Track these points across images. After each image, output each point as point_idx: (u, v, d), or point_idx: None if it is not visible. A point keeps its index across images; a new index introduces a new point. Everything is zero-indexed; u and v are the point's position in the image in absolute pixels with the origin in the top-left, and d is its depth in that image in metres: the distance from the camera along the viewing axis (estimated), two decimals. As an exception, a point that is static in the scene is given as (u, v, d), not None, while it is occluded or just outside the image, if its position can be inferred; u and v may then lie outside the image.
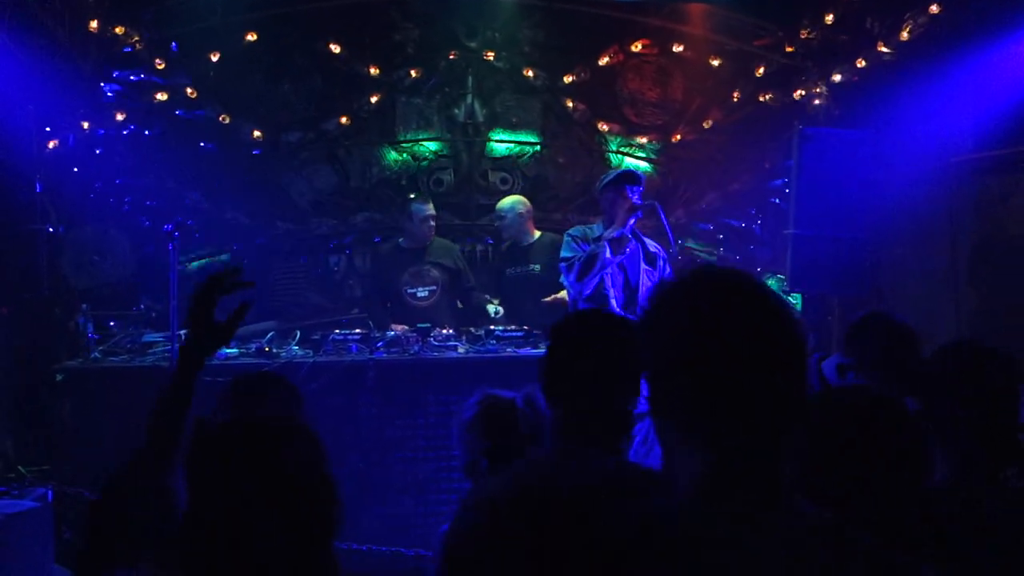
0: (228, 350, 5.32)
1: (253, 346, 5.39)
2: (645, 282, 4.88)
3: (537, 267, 6.10)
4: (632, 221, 4.90)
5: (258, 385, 2.62)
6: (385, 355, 5.32)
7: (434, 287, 6.08)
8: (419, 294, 6.05)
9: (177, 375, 1.94)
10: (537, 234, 6.24)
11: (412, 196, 6.29)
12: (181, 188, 6.75)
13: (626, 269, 4.92)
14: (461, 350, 5.43)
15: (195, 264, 6.91)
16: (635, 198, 4.91)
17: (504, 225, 6.22)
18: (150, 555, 1.90)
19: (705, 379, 1.21)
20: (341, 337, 5.44)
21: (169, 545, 1.89)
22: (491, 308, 6.05)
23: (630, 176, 5.00)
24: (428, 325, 5.66)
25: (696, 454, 1.22)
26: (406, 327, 5.65)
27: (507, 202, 6.30)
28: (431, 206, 6.15)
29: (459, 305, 6.25)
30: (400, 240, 6.24)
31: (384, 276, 6.23)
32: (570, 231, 5.18)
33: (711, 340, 1.21)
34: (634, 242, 5.00)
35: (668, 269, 5.00)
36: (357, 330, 5.59)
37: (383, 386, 5.19)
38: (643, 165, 7.44)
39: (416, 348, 5.39)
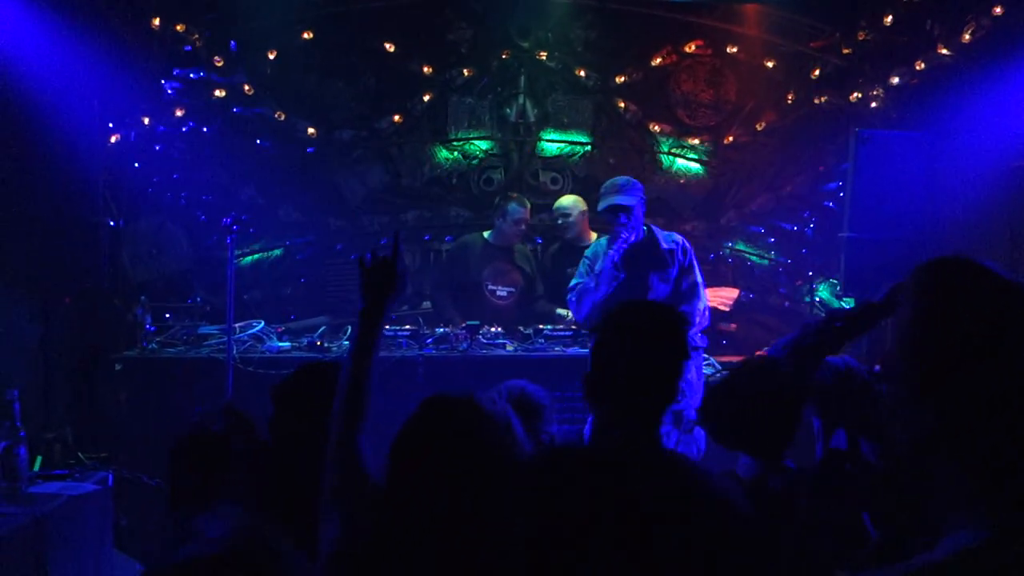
0: (281, 343, 5.42)
1: (305, 340, 5.48)
2: (656, 284, 4.67)
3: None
4: (618, 248, 4.67)
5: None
6: (434, 351, 5.38)
7: (513, 288, 6.12)
8: (499, 292, 6.09)
9: (365, 335, 2.19)
10: (593, 236, 6.22)
11: (511, 195, 6.22)
12: (236, 184, 6.89)
13: (636, 273, 4.71)
14: (509, 348, 5.47)
15: (248, 259, 7.05)
16: (620, 225, 4.67)
17: (569, 223, 6.12)
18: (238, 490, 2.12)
19: None
20: (391, 333, 5.50)
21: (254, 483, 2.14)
22: (561, 311, 5.95)
23: (610, 208, 4.75)
24: (476, 323, 5.71)
25: None
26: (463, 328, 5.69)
27: (569, 200, 6.21)
28: (528, 209, 6.13)
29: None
30: (487, 235, 6.24)
31: (463, 267, 6.21)
32: (587, 251, 5.00)
33: None
34: (646, 243, 4.76)
35: (691, 259, 4.72)
36: (407, 326, 5.65)
37: (432, 382, 5.24)
38: (695, 167, 7.42)
39: (465, 345, 5.44)
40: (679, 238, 4.81)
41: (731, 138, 7.34)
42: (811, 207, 7.23)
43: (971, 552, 1.07)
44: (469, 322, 5.71)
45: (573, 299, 4.85)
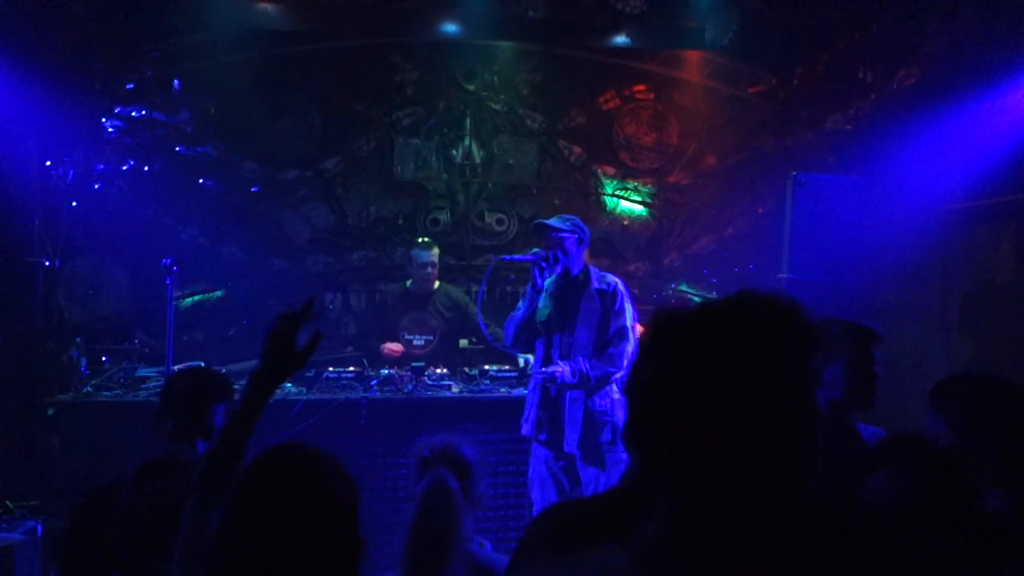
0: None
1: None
2: (583, 325, 4.53)
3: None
4: (536, 273, 4.55)
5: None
6: (379, 394, 5.32)
7: (431, 337, 6.06)
8: (416, 341, 6.04)
9: (249, 400, 2.01)
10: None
11: (420, 240, 6.20)
12: (178, 223, 6.78)
13: (563, 313, 4.59)
14: (455, 390, 5.43)
15: (189, 300, 6.91)
16: (539, 255, 4.58)
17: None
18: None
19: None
20: (335, 375, 5.43)
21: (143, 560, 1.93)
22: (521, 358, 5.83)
23: (537, 227, 4.65)
24: (422, 364, 5.66)
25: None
26: (396, 350, 5.63)
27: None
28: (433, 252, 6.05)
29: (468, 343, 6.14)
30: (408, 283, 6.22)
31: (383, 316, 6.21)
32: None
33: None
34: (579, 282, 4.63)
35: (620, 302, 4.55)
36: (351, 368, 5.58)
37: (376, 425, 5.17)
38: (638, 209, 7.50)
39: (410, 387, 5.38)
40: (614, 280, 4.68)
41: (673, 180, 7.46)
42: (752, 248, 7.35)
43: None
44: (415, 363, 5.66)
45: (506, 324, 4.76)
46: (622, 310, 4.55)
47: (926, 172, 5.89)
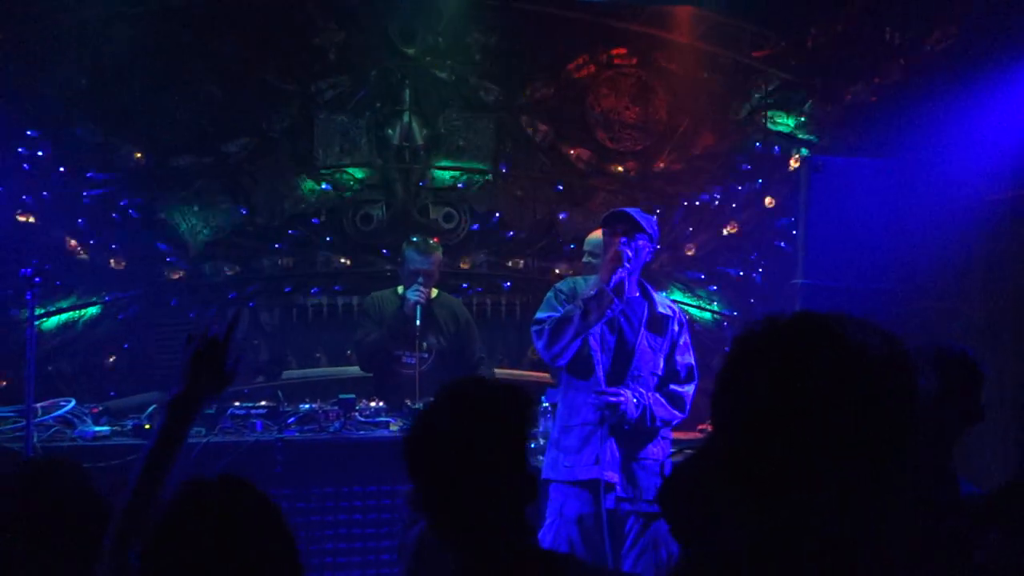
0: (98, 428, 5.27)
1: (130, 423, 5.35)
2: (646, 350, 4.64)
3: None
4: (620, 274, 4.55)
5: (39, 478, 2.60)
6: (298, 434, 5.32)
7: (426, 355, 6.05)
8: (406, 359, 6.01)
9: (169, 433, 2.15)
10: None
11: (415, 240, 6.11)
12: (40, 224, 6.71)
13: (621, 330, 4.68)
14: (394, 428, 5.44)
15: (54, 320, 6.84)
16: (625, 244, 4.57)
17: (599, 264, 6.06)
18: None
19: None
20: (242, 412, 5.42)
21: None
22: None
23: (617, 216, 4.66)
24: (351, 397, 5.67)
25: None
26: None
27: (599, 235, 6.19)
28: (433, 256, 6.00)
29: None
30: (401, 290, 6.12)
31: (373, 330, 6.13)
32: (558, 284, 4.94)
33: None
34: (639, 300, 4.74)
35: (686, 335, 4.74)
36: (263, 403, 5.57)
37: (295, 473, 5.17)
38: (617, 200, 7.58)
39: (337, 425, 5.39)
40: (676, 307, 4.84)
41: (662, 165, 7.56)
42: (759, 248, 7.46)
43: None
44: (343, 395, 5.67)
45: (547, 329, 4.62)
46: (688, 345, 4.69)
47: (966, 154, 6.01)
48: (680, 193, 7.60)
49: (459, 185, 7.47)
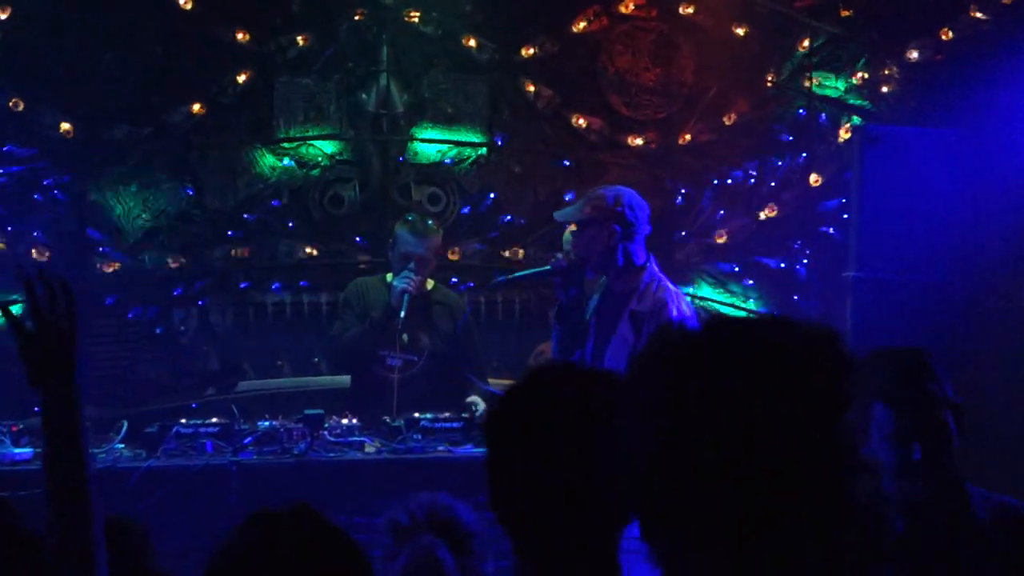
0: (18, 450, 5.26)
1: (56, 444, 5.32)
2: (619, 351, 4.69)
3: None
4: (560, 294, 4.79)
5: None
6: (255, 457, 5.31)
7: (414, 357, 6.03)
8: (390, 361, 5.99)
9: (56, 451, 2.07)
10: None
11: (409, 218, 6.13)
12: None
13: (588, 331, 4.84)
14: (370, 448, 5.43)
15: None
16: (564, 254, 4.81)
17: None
18: None
19: None
20: (189, 430, 5.41)
21: None
22: (476, 403, 5.86)
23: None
24: (320, 412, 5.66)
25: None
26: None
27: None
28: (429, 240, 5.98)
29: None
30: (389, 277, 6.10)
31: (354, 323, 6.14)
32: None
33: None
34: (617, 295, 4.84)
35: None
36: (214, 420, 5.56)
37: (253, 503, 5.12)
38: (638, 178, 7.56)
39: (303, 446, 5.37)
40: (665, 297, 4.77)
41: (688, 137, 7.54)
42: (803, 235, 7.44)
43: None
44: (309, 411, 5.66)
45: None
46: None
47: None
48: (709, 170, 7.58)
49: (447, 160, 7.44)
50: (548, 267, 4.67)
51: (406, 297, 5.79)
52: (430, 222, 6.16)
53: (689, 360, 1.32)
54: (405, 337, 5.94)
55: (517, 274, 4.91)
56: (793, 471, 1.27)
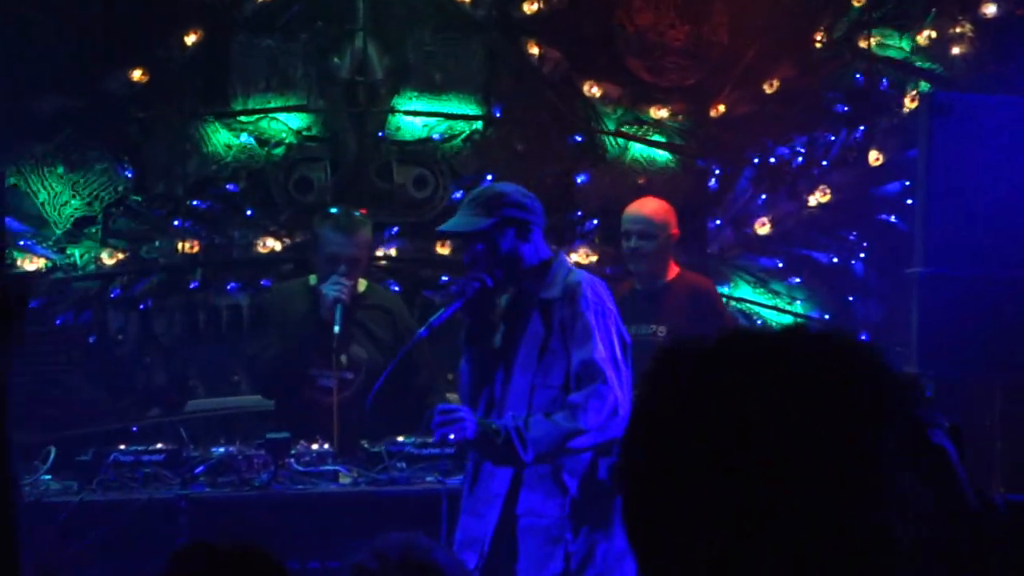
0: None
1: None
2: (516, 378, 4.68)
3: (664, 328, 6.07)
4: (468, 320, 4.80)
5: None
6: (209, 489, 5.30)
7: (350, 374, 6.02)
8: (322, 382, 5.99)
9: None
10: (675, 271, 6.30)
11: (332, 211, 6.19)
12: None
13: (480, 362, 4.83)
14: (345, 479, 5.43)
15: None
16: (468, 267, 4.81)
17: (649, 250, 6.19)
18: None
19: None
20: (129, 458, 5.41)
21: None
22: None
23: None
24: (286, 436, 5.65)
25: None
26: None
27: (651, 207, 6.32)
28: (358, 236, 6.02)
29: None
30: (312, 279, 6.15)
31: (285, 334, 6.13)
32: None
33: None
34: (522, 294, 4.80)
35: (584, 317, 4.57)
36: (159, 445, 5.56)
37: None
38: (662, 156, 7.56)
39: (266, 476, 5.36)
40: (577, 280, 4.68)
41: (722, 107, 7.53)
42: (860, 224, 7.44)
43: None
44: (271, 435, 5.64)
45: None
46: (587, 328, 4.54)
47: None
48: (747, 146, 7.59)
49: (435, 137, 7.43)
50: (460, 300, 4.70)
51: (339, 308, 5.76)
52: (358, 214, 6.21)
53: (697, 384, 1.32)
54: (344, 358, 5.93)
55: (435, 320, 4.90)
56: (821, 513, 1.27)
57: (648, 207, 6.29)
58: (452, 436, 4.45)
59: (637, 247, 6.16)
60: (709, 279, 6.35)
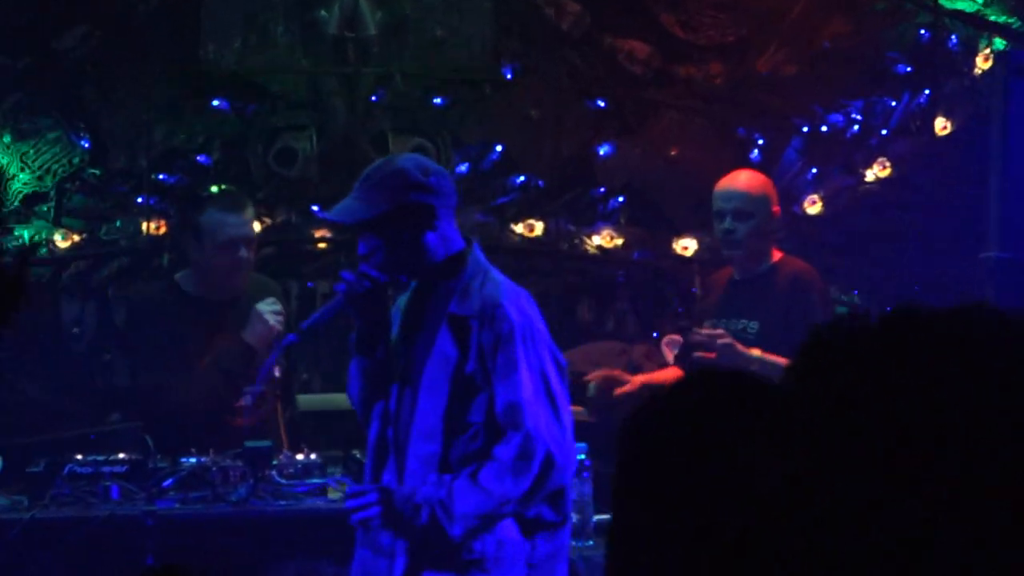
0: None
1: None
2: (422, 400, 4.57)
3: (755, 324, 6.00)
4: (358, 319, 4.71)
5: None
6: (178, 505, 5.34)
7: (259, 387, 6.02)
8: (246, 401, 6.00)
9: None
10: (776, 256, 6.23)
11: (212, 192, 6.33)
12: None
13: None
14: (335, 494, 5.44)
15: None
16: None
17: (747, 231, 6.09)
18: None
19: None
20: (88, 470, 5.45)
21: None
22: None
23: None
24: (266, 444, 5.67)
25: None
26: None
27: (747, 179, 6.28)
28: (245, 216, 6.11)
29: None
30: (179, 277, 6.26)
31: (152, 350, 6.24)
32: None
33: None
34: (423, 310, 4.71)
35: (509, 341, 4.45)
36: (121, 455, 5.59)
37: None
38: (697, 121, 7.57)
39: (243, 491, 5.39)
40: (499, 292, 4.55)
41: (766, 67, 7.54)
42: (926, 202, 7.45)
43: None
44: (251, 443, 5.66)
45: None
46: (512, 360, 4.39)
47: None
48: (795, 113, 7.61)
49: (436, 101, 7.46)
50: (340, 298, 4.59)
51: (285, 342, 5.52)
52: (234, 193, 6.41)
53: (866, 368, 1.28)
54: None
55: (311, 320, 4.81)
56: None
57: (743, 180, 6.23)
58: (372, 523, 4.45)
59: (732, 228, 6.05)
60: (813, 268, 6.19)
